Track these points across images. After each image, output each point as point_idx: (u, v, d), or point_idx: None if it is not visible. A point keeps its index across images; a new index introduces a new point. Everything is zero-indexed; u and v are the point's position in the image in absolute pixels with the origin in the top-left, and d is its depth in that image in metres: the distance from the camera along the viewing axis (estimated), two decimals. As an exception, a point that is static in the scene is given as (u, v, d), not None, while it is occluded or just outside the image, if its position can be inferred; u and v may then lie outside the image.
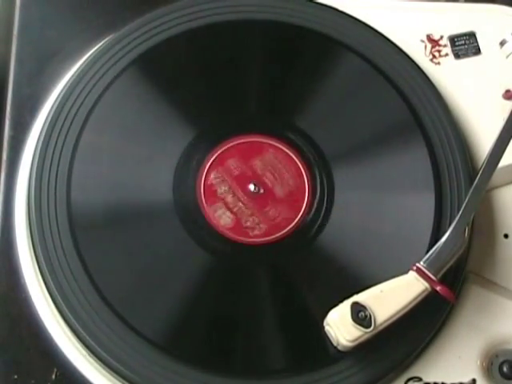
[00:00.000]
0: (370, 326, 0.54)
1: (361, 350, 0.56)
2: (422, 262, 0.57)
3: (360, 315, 0.54)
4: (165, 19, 0.66)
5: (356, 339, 0.54)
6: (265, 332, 0.59)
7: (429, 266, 0.57)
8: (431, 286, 0.56)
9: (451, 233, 0.58)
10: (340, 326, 0.54)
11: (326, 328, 0.56)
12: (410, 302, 0.56)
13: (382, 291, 0.56)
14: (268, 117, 0.66)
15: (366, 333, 0.54)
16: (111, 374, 0.57)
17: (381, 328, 0.55)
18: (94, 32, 0.68)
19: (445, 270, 0.57)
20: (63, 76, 0.66)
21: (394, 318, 0.55)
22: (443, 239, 0.58)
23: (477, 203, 0.59)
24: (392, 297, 0.56)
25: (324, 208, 0.63)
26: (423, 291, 0.56)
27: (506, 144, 0.59)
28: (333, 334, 0.55)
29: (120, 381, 0.57)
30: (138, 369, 0.57)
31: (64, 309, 0.58)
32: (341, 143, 0.65)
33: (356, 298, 0.55)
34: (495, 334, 0.61)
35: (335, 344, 0.55)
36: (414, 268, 0.57)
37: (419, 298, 0.56)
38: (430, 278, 0.56)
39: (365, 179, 0.64)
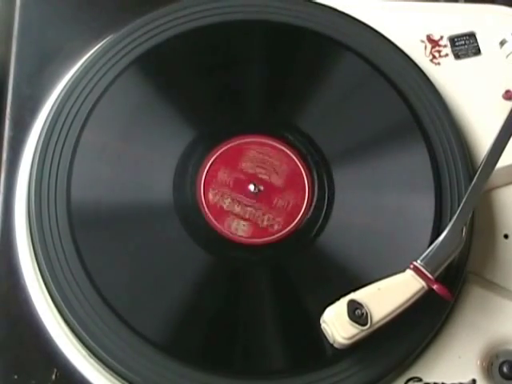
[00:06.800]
0: (367, 323, 0.54)
1: (358, 347, 0.56)
2: (419, 261, 0.57)
3: (356, 313, 0.54)
4: (164, 20, 0.67)
5: (352, 337, 0.54)
6: (265, 332, 0.59)
7: (426, 264, 0.57)
8: (428, 285, 0.56)
9: (449, 232, 0.58)
10: (336, 324, 0.54)
11: (323, 325, 0.56)
12: (407, 301, 0.56)
13: (378, 289, 0.56)
14: (268, 117, 0.66)
15: (363, 331, 0.54)
16: (111, 374, 0.57)
17: (377, 326, 0.55)
18: (94, 32, 0.68)
19: (442, 268, 0.57)
20: (63, 76, 0.66)
21: (391, 316, 0.55)
22: (441, 238, 0.58)
23: (475, 202, 0.59)
24: (389, 295, 0.56)
25: (324, 208, 0.63)
26: (420, 290, 0.56)
27: (504, 144, 0.59)
28: (329, 332, 0.55)
29: (120, 381, 0.57)
30: (138, 369, 0.57)
31: (64, 309, 0.58)
32: (341, 143, 0.65)
33: (353, 295, 0.55)
34: (495, 335, 0.61)
35: (331, 342, 0.56)
36: (412, 266, 0.57)
37: (416, 297, 0.56)
38: (426, 276, 0.56)
39: (365, 179, 0.64)
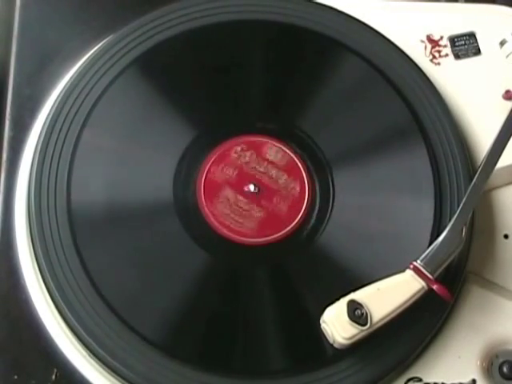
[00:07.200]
0: (366, 323, 0.54)
1: (357, 347, 0.56)
2: (419, 261, 0.57)
3: (356, 313, 0.54)
4: (164, 19, 0.66)
5: (352, 337, 0.54)
6: (264, 332, 0.59)
7: (426, 264, 0.57)
8: (428, 285, 0.56)
9: (448, 232, 0.58)
10: (336, 324, 0.54)
11: (323, 325, 0.56)
12: (407, 301, 0.56)
13: (378, 289, 0.56)
14: (268, 118, 0.66)
15: (362, 331, 0.54)
16: (111, 375, 0.57)
17: (377, 326, 0.55)
18: (94, 32, 0.68)
19: (442, 268, 0.57)
20: (63, 76, 0.66)
21: (391, 316, 0.55)
22: (440, 238, 0.58)
23: (475, 202, 0.59)
24: (389, 295, 0.56)
25: (324, 208, 0.63)
26: (420, 290, 0.56)
27: (504, 144, 0.59)
28: (329, 332, 0.55)
29: (120, 381, 0.57)
30: (138, 369, 0.57)
31: (64, 309, 0.58)
32: (341, 143, 0.65)
33: (353, 295, 0.55)
34: (495, 335, 0.61)
35: (331, 342, 0.55)
36: (411, 266, 0.57)
37: (416, 297, 0.56)
38: (426, 276, 0.56)
39: (365, 179, 0.64)
